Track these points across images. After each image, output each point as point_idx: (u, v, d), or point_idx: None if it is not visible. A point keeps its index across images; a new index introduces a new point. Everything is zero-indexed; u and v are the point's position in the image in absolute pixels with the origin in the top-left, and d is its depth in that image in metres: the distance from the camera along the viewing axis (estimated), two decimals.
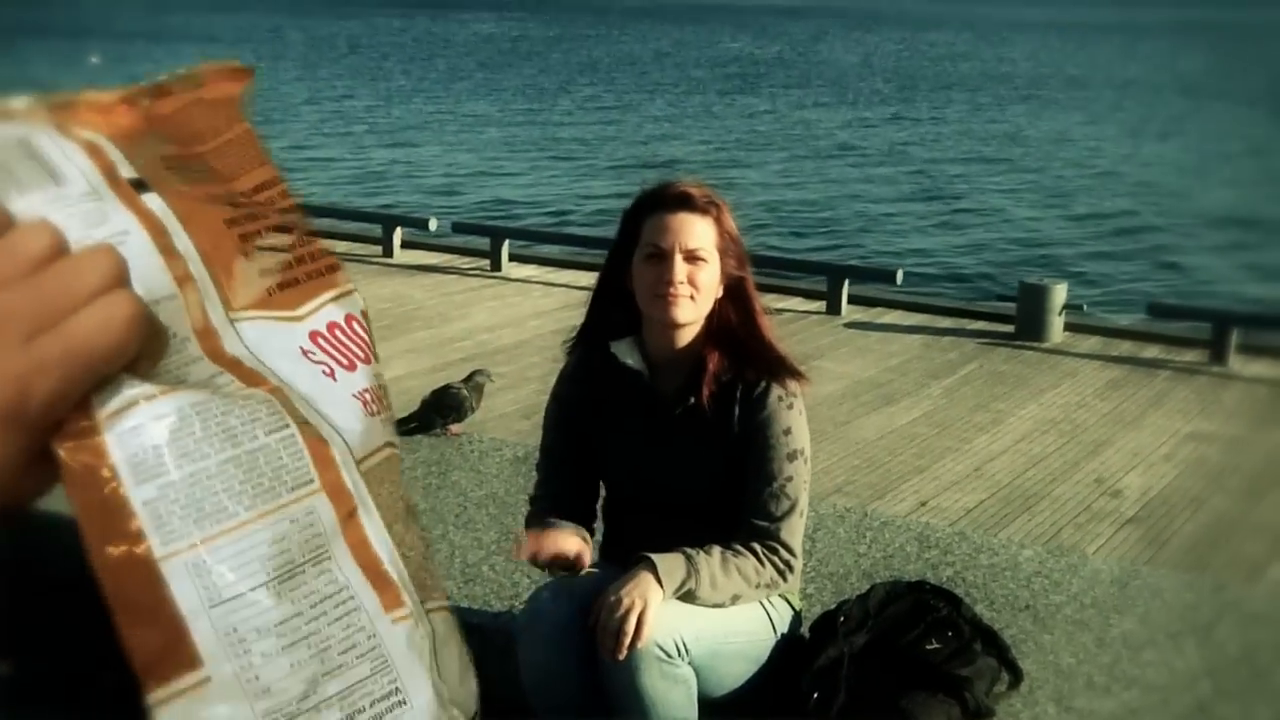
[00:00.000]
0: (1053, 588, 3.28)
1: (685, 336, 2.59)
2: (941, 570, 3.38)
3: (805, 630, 2.72)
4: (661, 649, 2.33)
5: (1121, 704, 2.68)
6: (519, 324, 7.77)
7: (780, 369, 2.59)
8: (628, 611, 2.32)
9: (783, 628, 2.63)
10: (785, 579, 2.53)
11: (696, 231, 2.52)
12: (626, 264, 2.58)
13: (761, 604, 2.60)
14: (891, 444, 5.75)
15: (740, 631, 2.53)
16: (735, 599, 2.47)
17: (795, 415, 2.58)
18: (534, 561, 2.49)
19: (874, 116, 28.02)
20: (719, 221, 2.55)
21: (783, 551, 2.52)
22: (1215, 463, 5.67)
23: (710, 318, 2.59)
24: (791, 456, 2.55)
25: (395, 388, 4.49)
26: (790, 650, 2.62)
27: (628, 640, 2.31)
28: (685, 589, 2.40)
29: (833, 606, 2.82)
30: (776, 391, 2.56)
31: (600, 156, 21.77)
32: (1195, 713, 2.66)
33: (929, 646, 2.58)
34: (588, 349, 2.70)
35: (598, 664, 2.38)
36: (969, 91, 34.11)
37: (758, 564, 2.49)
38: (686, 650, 2.37)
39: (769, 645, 2.59)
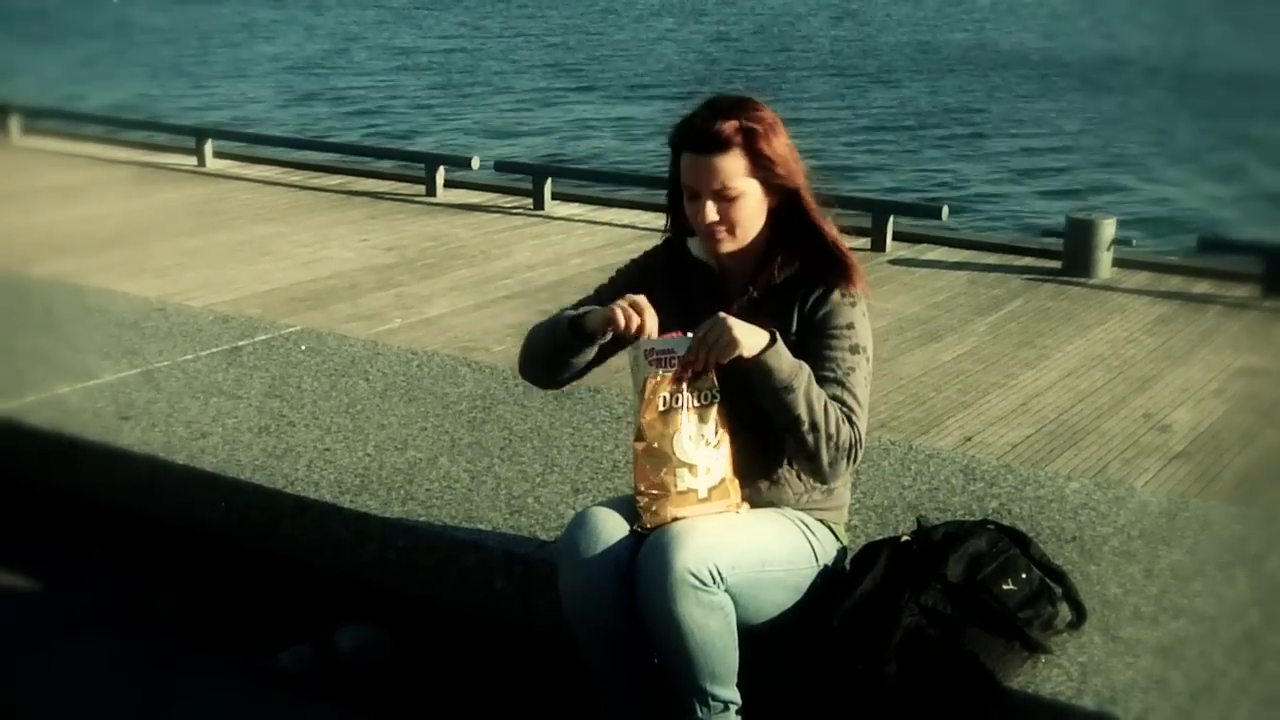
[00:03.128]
0: (1099, 519, 3.26)
1: (748, 252, 2.60)
2: (987, 502, 3.36)
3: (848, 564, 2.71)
4: (696, 576, 2.32)
5: (1169, 633, 2.66)
6: (561, 262, 7.76)
7: (843, 270, 2.57)
8: (722, 322, 2.37)
9: (826, 559, 2.62)
10: (853, 455, 2.48)
11: (723, 170, 2.48)
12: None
13: (803, 532, 2.59)
14: (936, 380, 5.71)
15: (779, 561, 2.52)
16: (811, 409, 2.41)
17: (858, 314, 2.57)
18: (620, 327, 2.45)
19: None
20: (750, 148, 2.50)
21: (856, 428, 2.48)
22: (1266, 397, 5.61)
23: (771, 223, 2.59)
24: (854, 350, 2.53)
25: (438, 325, 4.59)
26: (834, 582, 2.61)
27: (712, 358, 2.39)
28: (780, 350, 2.41)
29: (878, 538, 2.81)
30: (839, 289, 2.56)
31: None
32: (1244, 642, 2.64)
33: (1005, 587, 2.55)
34: (669, 242, 2.74)
35: (635, 591, 2.39)
36: None
37: (839, 417, 2.46)
38: (722, 578, 2.36)
39: (811, 574, 2.58)
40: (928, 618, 2.45)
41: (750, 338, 2.39)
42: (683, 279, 2.69)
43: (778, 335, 2.43)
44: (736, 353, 2.38)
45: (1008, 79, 25.59)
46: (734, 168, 2.49)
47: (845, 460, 2.48)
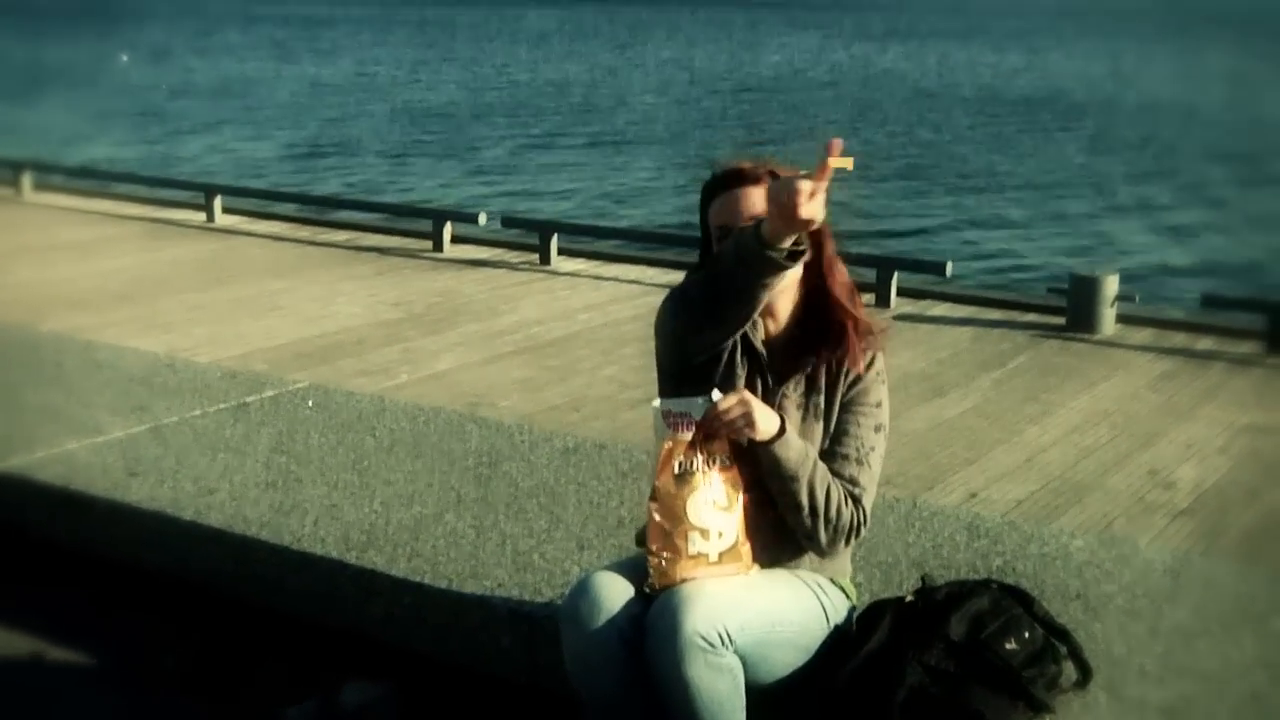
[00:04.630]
0: (1104, 577, 3.26)
1: (783, 312, 2.62)
2: (991, 559, 3.37)
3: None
4: (705, 639, 2.33)
5: (1175, 693, 2.66)
6: (568, 317, 7.80)
7: (870, 343, 2.62)
8: (745, 403, 2.39)
9: (837, 619, 2.62)
10: (854, 535, 2.54)
11: (754, 200, 2.52)
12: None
13: (815, 593, 2.60)
14: (941, 435, 5.73)
15: (790, 622, 2.53)
16: (813, 497, 2.46)
17: (886, 390, 2.64)
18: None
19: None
20: None
21: (862, 510, 2.55)
22: (1271, 455, 5.61)
23: (805, 292, 2.61)
24: (878, 429, 2.61)
25: (445, 380, 4.61)
26: (843, 641, 2.62)
27: (725, 431, 2.40)
28: (789, 440, 2.44)
29: (885, 597, 2.82)
30: (876, 366, 2.62)
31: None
32: (1250, 702, 2.64)
33: (1008, 647, 2.56)
34: None
35: (641, 654, 2.39)
36: None
37: (841, 500, 2.51)
38: (731, 640, 2.36)
39: (821, 635, 2.59)
40: (931, 676, 2.45)
41: (765, 423, 2.43)
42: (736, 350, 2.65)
43: (788, 426, 2.47)
44: (750, 435, 2.43)
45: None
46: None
47: (844, 540, 2.55)
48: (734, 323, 2.49)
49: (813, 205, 2.20)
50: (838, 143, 2.21)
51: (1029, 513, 4.80)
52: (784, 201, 2.19)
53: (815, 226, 2.25)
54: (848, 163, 2.21)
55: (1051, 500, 4.98)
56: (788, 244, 2.28)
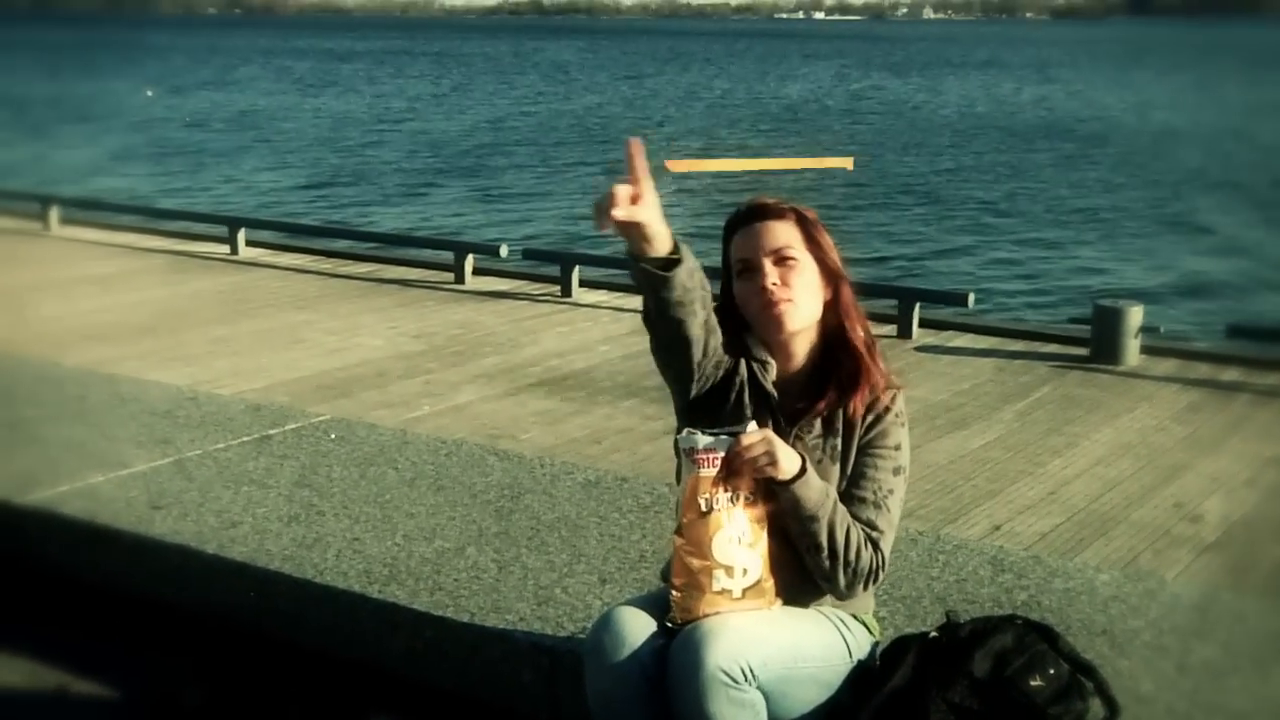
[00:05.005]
0: (1130, 613, 3.23)
1: (800, 352, 2.62)
2: (1016, 594, 3.34)
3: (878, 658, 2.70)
4: (727, 674, 2.32)
5: None
6: (589, 349, 7.80)
7: (891, 385, 2.62)
8: (768, 440, 2.38)
9: (860, 654, 2.61)
10: (873, 579, 2.53)
11: (777, 233, 2.54)
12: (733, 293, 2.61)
13: (837, 628, 2.58)
14: (964, 468, 5.69)
15: (813, 658, 2.52)
16: (832, 539, 2.45)
17: (905, 433, 2.62)
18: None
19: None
20: (802, 224, 2.57)
21: (880, 554, 2.53)
22: None
23: (822, 335, 2.62)
24: (897, 471, 2.59)
25: (466, 413, 4.60)
26: (866, 677, 2.60)
27: (748, 469, 2.39)
28: (810, 480, 2.43)
29: (908, 632, 2.80)
30: (895, 408, 2.60)
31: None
32: None
33: (1033, 683, 2.54)
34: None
35: (663, 689, 2.38)
36: None
37: (861, 543, 2.50)
38: (754, 675, 2.35)
39: (844, 670, 2.57)
40: (956, 714, 2.43)
41: (787, 461, 2.43)
42: (733, 377, 2.64)
43: (809, 466, 2.47)
44: (772, 474, 2.42)
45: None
46: (790, 235, 2.56)
47: (862, 584, 2.53)
48: (667, 338, 2.47)
49: (635, 209, 2.24)
50: (637, 142, 2.26)
51: (1053, 546, 4.76)
52: (601, 205, 2.24)
53: (648, 228, 2.27)
54: (848, 162, 2.24)
55: (1076, 533, 4.94)
56: (658, 252, 2.31)
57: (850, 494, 2.56)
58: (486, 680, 3.20)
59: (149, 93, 42.48)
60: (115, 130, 31.18)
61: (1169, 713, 2.72)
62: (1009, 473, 5.64)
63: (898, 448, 2.60)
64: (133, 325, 8.18)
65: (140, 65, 53.73)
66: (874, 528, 2.53)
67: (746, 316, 2.61)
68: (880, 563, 2.53)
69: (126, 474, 4.38)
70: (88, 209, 12.76)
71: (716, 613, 2.43)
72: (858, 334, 2.64)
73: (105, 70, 51.54)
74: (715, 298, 2.70)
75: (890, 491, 2.57)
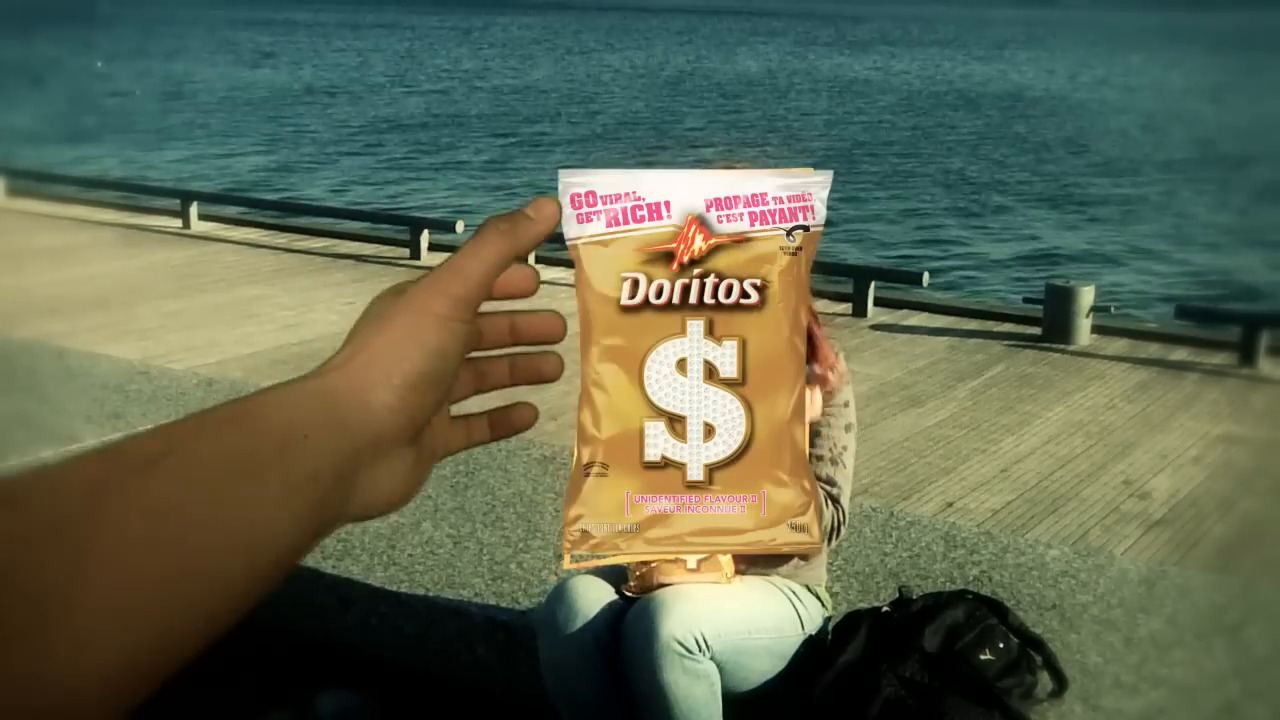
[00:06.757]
0: (1080, 588, 3.28)
1: None
2: (968, 570, 3.38)
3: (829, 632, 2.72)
4: (681, 644, 2.33)
5: (1149, 703, 2.67)
6: None
7: (830, 351, 2.66)
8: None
9: (813, 627, 2.63)
10: (835, 535, 2.57)
11: None
12: None
13: (790, 601, 2.60)
14: (918, 445, 5.74)
15: (766, 628, 2.54)
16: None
17: (850, 390, 2.68)
18: None
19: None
20: None
21: (841, 509, 2.58)
22: (1245, 466, 5.65)
23: None
24: (848, 428, 2.64)
25: None
26: (817, 650, 2.62)
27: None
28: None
29: (861, 607, 2.82)
30: (839, 368, 2.65)
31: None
32: (1224, 713, 2.65)
33: (983, 657, 2.57)
34: None
35: (618, 660, 2.39)
36: None
37: (822, 501, 2.51)
38: (708, 645, 2.37)
39: (796, 642, 2.59)
40: (907, 688, 2.46)
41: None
42: None
43: None
44: None
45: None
46: None
47: (831, 534, 2.59)
48: None
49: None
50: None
51: (1005, 523, 4.81)
52: None
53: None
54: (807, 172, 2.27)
55: (1027, 510, 5.00)
56: None
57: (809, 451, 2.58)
58: (441, 655, 3.20)
59: (99, 64, 41.86)
60: (62, 100, 30.70)
61: (1116, 685, 2.76)
62: (962, 450, 5.70)
63: (846, 404, 2.65)
64: (84, 299, 8.08)
65: (89, 32, 52.91)
66: (832, 483, 2.58)
67: None
68: (842, 519, 2.58)
69: (76, 448, 4.33)
70: (38, 181, 12.58)
71: (671, 584, 2.44)
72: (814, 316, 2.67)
73: (39, 38, 50.72)
74: None
75: (845, 448, 2.62)
